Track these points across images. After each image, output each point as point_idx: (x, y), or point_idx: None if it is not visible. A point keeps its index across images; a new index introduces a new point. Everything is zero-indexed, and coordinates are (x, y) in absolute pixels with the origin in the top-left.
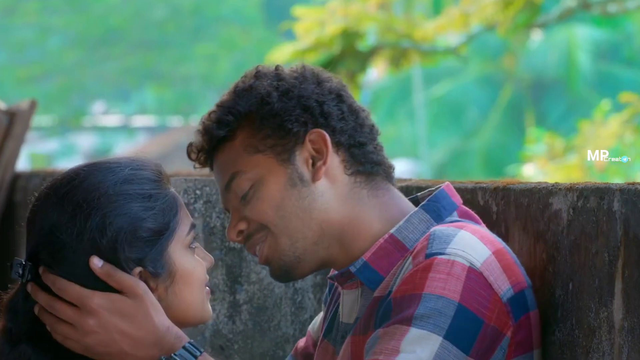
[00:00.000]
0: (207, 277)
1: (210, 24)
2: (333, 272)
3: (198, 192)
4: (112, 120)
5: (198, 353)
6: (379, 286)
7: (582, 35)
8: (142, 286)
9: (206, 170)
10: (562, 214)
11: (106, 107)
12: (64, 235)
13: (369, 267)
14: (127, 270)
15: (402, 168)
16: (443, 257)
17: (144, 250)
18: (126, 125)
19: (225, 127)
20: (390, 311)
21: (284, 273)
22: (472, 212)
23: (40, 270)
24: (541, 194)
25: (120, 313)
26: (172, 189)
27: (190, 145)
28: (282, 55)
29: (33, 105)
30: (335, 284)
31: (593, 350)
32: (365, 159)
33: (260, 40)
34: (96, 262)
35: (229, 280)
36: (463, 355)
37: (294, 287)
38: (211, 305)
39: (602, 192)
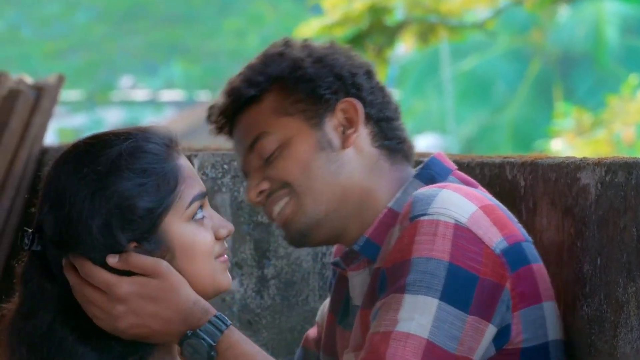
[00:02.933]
0: (224, 246)
1: None
2: (335, 256)
3: (226, 166)
4: (140, 94)
5: (224, 327)
6: (378, 257)
7: (611, 10)
8: (164, 264)
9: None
10: (590, 188)
11: (134, 82)
12: (60, 210)
13: (371, 242)
14: (123, 246)
15: (430, 143)
16: (426, 217)
17: (137, 228)
18: (154, 100)
19: (255, 87)
20: (385, 281)
21: (301, 237)
22: (468, 177)
23: (72, 254)
24: (569, 169)
25: (149, 296)
26: (180, 161)
27: (212, 107)
28: (309, 30)
29: (60, 80)
30: (338, 270)
31: (621, 325)
32: (392, 134)
33: (288, 15)
34: (112, 260)
35: (257, 254)
36: (463, 314)
37: (322, 262)
38: (239, 280)
39: (630, 167)
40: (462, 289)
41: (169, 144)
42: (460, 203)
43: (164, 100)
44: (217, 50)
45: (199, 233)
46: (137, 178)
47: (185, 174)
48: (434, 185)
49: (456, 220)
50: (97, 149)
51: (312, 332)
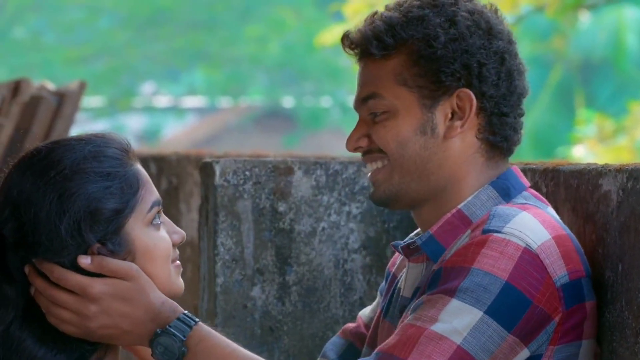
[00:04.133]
0: (177, 252)
1: (259, 5)
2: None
3: (247, 173)
4: (162, 101)
5: (193, 323)
6: (440, 259)
7: (631, 16)
8: (134, 267)
9: (256, 151)
10: (612, 195)
11: (156, 88)
12: (24, 214)
13: (434, 240)
14: (89, 247)
15: None
16: (499, 235)
17: (102, 230)
18: (176, 106)
19: (382, 50)
20: (439, 279)
21: (382, 202)
22: (540, 195)
23: (37, 260)
24: (591, 175)
25: (120, 296)
26: (138, 166)
27: (347, 34)
28: (331, 37)
29: (82, 86)
30: (392, 270)
31: None
32: (499, 130)
33: (310, 21)
34: (84, 261)
35: (279, 261)
36: (504, 332)
37: (343, 269)
38: (261, 287)
39: None
40: (511, 309)
41: (127, 150)
42: (535, 228)
43: (186, 106)
44: (239, 56)
45: (158, 237)
46: (103, 181)
47: (144, 180)
48: (517, 205)
49: (527, 245)
50: (61, 153)
51: (352, 324)
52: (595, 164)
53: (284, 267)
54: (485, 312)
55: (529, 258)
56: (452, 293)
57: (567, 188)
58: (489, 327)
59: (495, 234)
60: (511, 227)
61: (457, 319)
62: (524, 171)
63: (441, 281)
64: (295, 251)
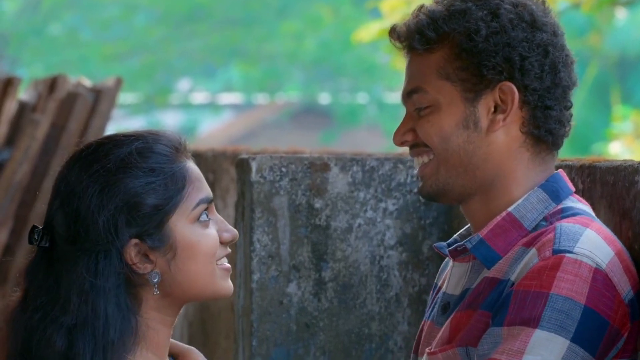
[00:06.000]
0: (227, 250)
1: (295, 2)
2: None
3: (284, 169)
4: (198, 97)
5: None
6: (494, 266)
7: None
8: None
9: (292, 148)
10: None
11: (192, 85)
12: (68, 206)
13: (485, 244)
14: (124, 242)
15: None
16: (571, 256)
17: (142, 224)
18: (212, 103)
19: (425, 44)
20: (509, 303)
21: (430, 196)
22: (584, 200)
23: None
24: (627, 172)
25: None
26: (189, 163)
27: (395, 28)
28: (368, 34)
29: (118, 83)
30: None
31: None
32: (543, 124)
33: (347, 18)
34: None
35: (315, 257)
36: (590, 357)
37: (379, 265)
38: (297, 283)
39: None
40: (593, 333)
41: (178, 147)
42: (601, 246)
43: (223, 103)
44: (276, 53)
45: (203, 234)
46: (146, 177)
47: (192, 177)
48: (578, 220)
49: (597, 265)
50: (108, 148)
51: None
52: (632, 160)
53: (320, 263)
54: (572, 340)
55: (601, 278)
56: (534, 323)
57: (604, 185)
58: (577, 356)
59: (567, 255)
60: (581, 247)
61: (545, 351)
62: (561, 167)
63: (515, 306)
64: (331, 247)
